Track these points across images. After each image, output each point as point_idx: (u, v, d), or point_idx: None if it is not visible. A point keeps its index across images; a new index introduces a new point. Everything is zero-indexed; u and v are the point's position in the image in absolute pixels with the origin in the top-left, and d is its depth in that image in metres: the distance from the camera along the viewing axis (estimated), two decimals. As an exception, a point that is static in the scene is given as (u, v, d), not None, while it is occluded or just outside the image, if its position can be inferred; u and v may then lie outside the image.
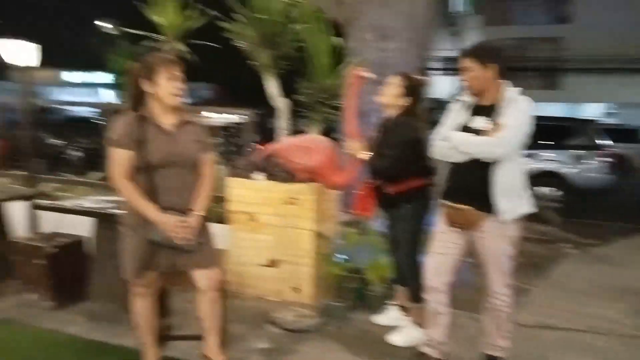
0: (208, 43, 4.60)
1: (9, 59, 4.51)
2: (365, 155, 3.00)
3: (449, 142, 2.50)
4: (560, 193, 8.63)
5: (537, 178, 8.70)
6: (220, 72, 18.71)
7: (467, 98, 2.56)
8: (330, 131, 3.90)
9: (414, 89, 3.06)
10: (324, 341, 3.05)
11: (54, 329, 2.98)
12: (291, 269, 3.60)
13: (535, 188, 8.43)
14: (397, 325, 3.17)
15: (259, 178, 3.69)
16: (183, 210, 2.30)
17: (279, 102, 4.05)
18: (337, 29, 4.11)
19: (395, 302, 3.33)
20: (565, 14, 25.81)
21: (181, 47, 4.61)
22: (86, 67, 33.24)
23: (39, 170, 4.75)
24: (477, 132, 2.45)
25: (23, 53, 4.60)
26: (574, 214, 8.12)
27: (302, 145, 3.26)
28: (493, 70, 2.43)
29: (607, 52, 22.45)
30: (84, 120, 13.75)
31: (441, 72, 28.25)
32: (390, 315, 3.32)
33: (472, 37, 25.86)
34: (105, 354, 2.76)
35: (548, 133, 9.24)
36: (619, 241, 6.59)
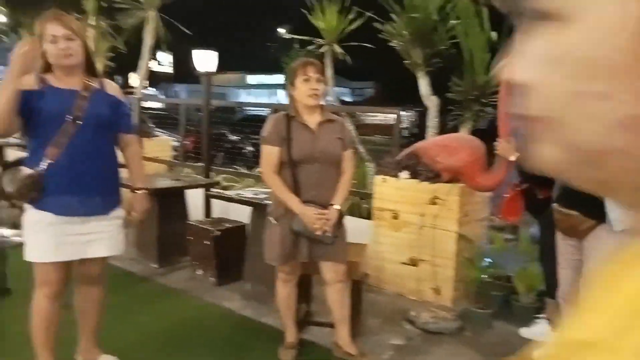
0: (364, 44, 4.73)
1: (198, 67, 5.20)
2: (516, 157, 2.84)
3: None
4: None
5: None
6: (382, 71, 18.98)
7: None
8: (482, 130, 3.74)
9: None
10: (459, 346, 2.97)
11: (214, 303, 3.40)
12: (432, 269, 3.56)
13: None
14: (543, 340, 2.94)
15: (404, 177, 3.72)
16: (323, 204, 2.45)
17: (429, 100, 4.00)
18: (495, 23, 3.92)
19: (544, 316, 3.10)
20: None
21: (339, 49, 4.82)
22: (267, 70, 36.48)
23: (216, 162, 5.39)
24: None
25: (207, 61, 5.27)
26: None
27: (448, 145, 3.20)
28: None
29: None
30: (260, 118, 15.05)
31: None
32: (537, 329, 3.09)
33: None
34: (254, 330, 3.07)
35: None
36: None
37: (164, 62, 31.37)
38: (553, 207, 2.41)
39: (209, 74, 5.21)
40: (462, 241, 3.51)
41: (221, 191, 4.08)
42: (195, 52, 5.16)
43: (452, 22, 4.00)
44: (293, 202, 2.41)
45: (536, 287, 3.28)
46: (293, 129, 2.47)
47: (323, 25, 4.82)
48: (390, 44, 4.16)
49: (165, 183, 4.10)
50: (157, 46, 6.76)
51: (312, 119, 2.50)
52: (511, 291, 3.41)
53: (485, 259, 3.59)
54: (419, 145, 3.39)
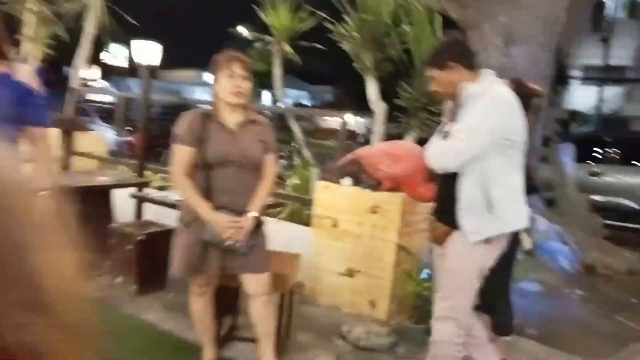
0: (316, 45, 4.57)
1: (138, 59, 4.91)
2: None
3: (428, 151, 2.35)
4: None
5: None
6: (342, 76, 18.97)
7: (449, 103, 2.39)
8: (427, 139, 3.64)
9: (520, 95, 2.73)
10: (392, 364, 2.83)
11: (132, 314, 3.12)
12: (369, 281, 3.42)
13: None
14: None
15: (347, 183, 3.57)
16: (239, 211, 2.24)
17: (377, 105, 3.87)
18: (448, 31, 3.83)
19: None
20: None
21: (288, 48, 4.64)
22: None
23: (161, 161, 5.08)
24: (446, 138, 2.28)
25: (149, 53, 4.98)
26: None
27: (391, 152, 3.05)
28: (456, 69, 2.23)
29: None
30: None
31: (585, 81, 25.96)
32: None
33: (625, 44, 23.30)
34: (173, 345, 2.82)
35: None
36: None
37: (120, 55, 30.54)
38: (430, 216, 2.46)
39: (150, 67, 4.92)
40: (402, 253, 3.38)
41: (149, 193, 3.80)
42: (134, 43, 4.86)
43: (405, 27, 3.89)
44: (202, 207, 2.19)
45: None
46: (210, 128, 2.26)
47: (275, 23, 4.63)
48: (342, 45, 4.02)
49: (86, 181, 3.78)
50: (101, 37, 6.38)
51: (233, 119, 2.30)
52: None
53: (425, 272, 3.48)
54: (360, 151, 3.24)
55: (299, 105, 21.45)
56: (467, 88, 2.21)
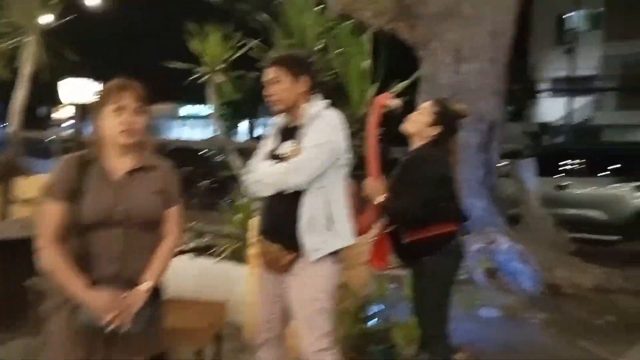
0: (247, 73, 4.40)
1: (64, 98, 4.69)
2: (383, 196, 2.54)
3: (254, 175, 2.25)
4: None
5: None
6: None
7: (280, 120, 2.30)
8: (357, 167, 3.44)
9: (446, 117, 2.56)
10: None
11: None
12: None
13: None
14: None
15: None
16: (130, 282, 1.78)
17: None
18: (380, 52, 3.68)
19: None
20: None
21: (222, 77, 4.46)
22: (201, 101, 35.89)
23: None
24: (281, 158, 2.20)
25: (79, 90, 4.77)
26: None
27: None
28: (305, 83, 2.21)
29: None
30: (191, 150, 13.93)
31: (554, 93, 26.37)
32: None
33: (590, 55, 23.78)
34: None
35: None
36: None
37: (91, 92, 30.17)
38: (257, 242, 2.31)
39: (81, 106, 4.70)
40: (339, 289, 3.15)
41: None
42: (62, 83, 4.64)
43: (333, 52, 3.74)
44: (73, 284, 1.71)
45: (416, 339, 2.97)
46: (89, 177, 1.80)
47: (206, 52, 4.45)
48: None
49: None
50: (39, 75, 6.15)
51: (121, 165, 1.84)
52: (390, 343, 3.08)
53: (368, 309, 3.26)
54: None
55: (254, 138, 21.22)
56: (310, 108, 2.22)
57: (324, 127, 2.18)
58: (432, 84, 6.40)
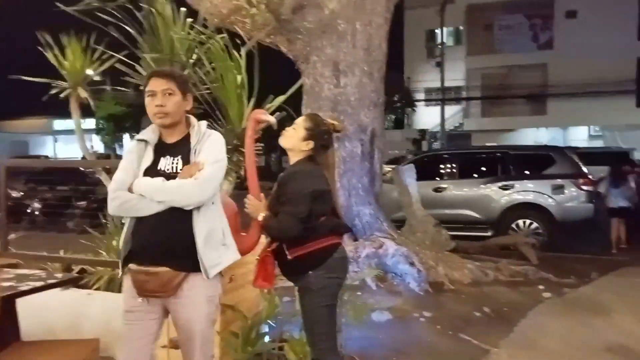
0: (113, 88, 4.11)
1: None
2: (262, 215, 2.49)
3: (138, 191, 2.09)
4: (537, 226, 8.13)
5: (514, 210, 8.31)
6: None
7: (150, 135, 2.21)
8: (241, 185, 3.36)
9: (318, 132, 2.57)
10: None
11: None
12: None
13: (511, 220, 8.19)
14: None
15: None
16: None
17: None
18: (258, 66, 3.62)
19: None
20: (547, 40, 25.98)
21: (83, 93, 4.12)
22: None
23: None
24: (167, 175, 2.12)
25: None
26: (553, 249, 7.59)
27: None
28: (190, 101, 2.24)
29: (589, 76, 22.52)
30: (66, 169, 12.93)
31: (425, 103, 28.36)
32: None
33: (456, 67, 25.94)
34: None
35: (525, 162, 8.89)
36: (603, 279, 6.00)
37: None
38: (127, 269, 2.15)
39: None
40: (228, 312, 3.02)
41: None
42: None
43: (206, 66, 3.62)
44: None
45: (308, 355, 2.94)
46: None
47: (66, 66, 4.08)
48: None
49: None
50: None
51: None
52: (285, 363, 3.02)
53: (258, 329, 3.16)
54: None
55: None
56: (201, 125, 2.24)
57: (217, 144, 2.21)
58: (314, 97, 6.52)
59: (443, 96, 24.57)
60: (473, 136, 27.06)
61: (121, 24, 3.52)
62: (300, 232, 2.38)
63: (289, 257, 2.44)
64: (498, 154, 9.19)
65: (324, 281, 2.47)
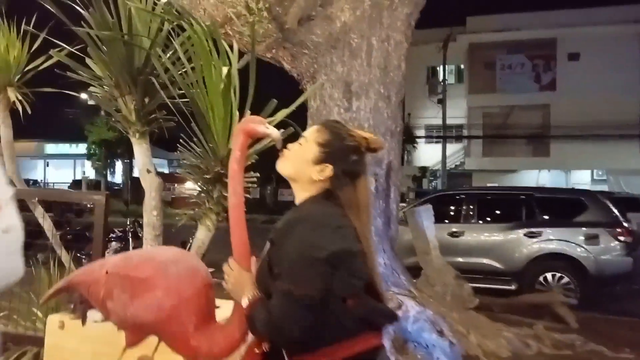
0: (52, 90, 3.04)
1: None
2: (247, 297, 1.39)
3: None
4: (568, 280, 7.05)
5: (541, 261, 7.25)
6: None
7: None
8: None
9: (340, 149, 1.50)
10: None
11: None
12: None
13: (538, 273, 7.08)
14: None
15: (97, 319, 2.00)
16: None
17: (146, 178, 2.40)
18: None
19: None
20: (549, 81, 25.58)
21: (14, 94, 3.03)
22: (69, 139, 32.31)
23: None
24: None
25: None
26: (586, 307, 6.50)
27: (132, 274, 1.56)
28: None
29: (592, 118, 21.99)
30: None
31: (425, 140, 27.62)
32: None
33: (457, 105, 25.34)
34: None
35: (553, 206, 7.91)
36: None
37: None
38: None
39: None
40: None
41: None
42: None
43: (188, 65, 2.55)
44: None
45: None
46: None
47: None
48: (94, 91, 2.54)
49: None
50: None
51: None
52: None
53: None
54: (78, 274, 1.72)
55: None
56: None
57: None
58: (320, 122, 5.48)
59: (444, 134, 23.82)
60: (474, 176, 26.27)
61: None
62: (309, 329, 1.29)
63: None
64: (522, 196, 8.16)
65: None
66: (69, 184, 29.23)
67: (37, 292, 2.85)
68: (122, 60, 2.32)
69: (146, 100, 2.45)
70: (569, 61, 25.01)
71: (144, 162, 2.39)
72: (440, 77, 25.20)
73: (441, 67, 24.68)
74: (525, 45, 25.10)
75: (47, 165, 35.36)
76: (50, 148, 34.53)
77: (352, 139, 1.49)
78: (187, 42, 2.48)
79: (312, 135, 1.49)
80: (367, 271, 1.43)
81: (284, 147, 1.51)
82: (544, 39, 24.68)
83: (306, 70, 5.70)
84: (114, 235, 6.37)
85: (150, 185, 2.33)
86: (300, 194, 1.49)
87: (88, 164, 26.58)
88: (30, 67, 3.07)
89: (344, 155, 1.46)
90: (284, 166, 1.50)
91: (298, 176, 1.48)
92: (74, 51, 2.68)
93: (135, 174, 29.09)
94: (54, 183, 32.07)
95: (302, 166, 1.47)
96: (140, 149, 2.39)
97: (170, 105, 2.36)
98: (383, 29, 5.57)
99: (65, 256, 2.83)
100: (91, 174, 29.62)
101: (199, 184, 2.24)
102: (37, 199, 2.98)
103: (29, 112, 3.10)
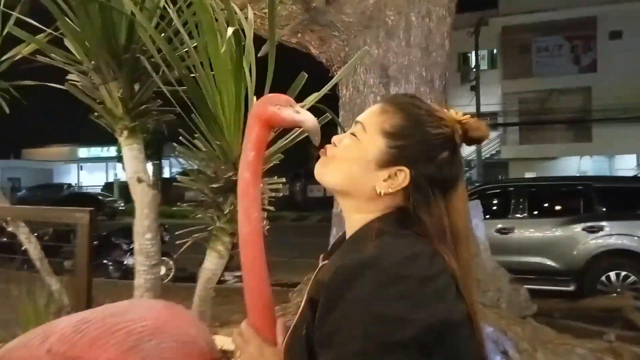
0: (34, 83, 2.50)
1: None
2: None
3: None
4: (635, 279, 6.27)
5: (604, 258, 6.48)
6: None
7: None
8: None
9: (426, 144, 0.87)
10: None
11: None
12: None
13: (600, 272, 6.30)
14: None
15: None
16: None
17: (137, 190, 1.82)
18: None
19: None
20: (590, 62, 24.28)
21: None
22: (101, 142, 32.79)
23: None
24: None
25: None
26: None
27: (89, 356, 0.99)
28: None
29: (638, 99, 20.73)
30: (88, 196, 12.41)
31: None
32: None
33: (491, 92, 24.32)
34: None
35: (614, 197, 7.10)
36: None
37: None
38: None
39: None
40: None
41: None
42: None
43: (190, 43, 1.95)
44: None
45: None
46: None
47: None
48: (71, 79, 1.99)
49: None
50: None
51: None
52: None
53: None
54: (12, 348, 1.16)
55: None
56: None
57: None
58: (355, 113, 4.85)
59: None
60: (510, 164, 25.22)
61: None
62: None
63: None
64: (579, 187, 7.36)
65: None
66: (101, 187, 29.62)
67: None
68: (100, 34, 1.75)
69: (136, 87, 1.88)
70: (611, 40, 23.74)
71: (135, 167, 1.82)
72: (472, 64, 24.18)
73: (473, 53, 23.67)
74: (563, 25, 23.88)
75: (81, 169, 35.98)
76: (83, 152, 35.21)
77: (441, 122, 0.87)
78: (188, 11, 1.89)
79: (372, 120, 0.89)
80: (475, 347, 0.82)
81: (324, 142, 0.90)
82: (583, 18, 23.42)
83: (336, 55, 5.10)
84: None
85: (142, 200, 1.75)
86: (355, 216, 0.89)
87: (120, 166, 26.88)
88: (5, 57, 2.55)
89: (429, 150, 0.85)
90: (328, 173, 0.90)
91: (352, 188, 0.88)
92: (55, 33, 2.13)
93: (166, 174, 29.08)
94: (87, 186, 32.62)
95: (358, 172, 0.87)
96: (130, 151, 1.81)
97: (167, 93, 1.78)
98: (423, 3, 4.89)
99: (55, 285, 2.30)
100: (123, 176, 29.94)
101: (204, 194, 1.66)
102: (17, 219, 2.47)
103: (7, 111, 2.59)
